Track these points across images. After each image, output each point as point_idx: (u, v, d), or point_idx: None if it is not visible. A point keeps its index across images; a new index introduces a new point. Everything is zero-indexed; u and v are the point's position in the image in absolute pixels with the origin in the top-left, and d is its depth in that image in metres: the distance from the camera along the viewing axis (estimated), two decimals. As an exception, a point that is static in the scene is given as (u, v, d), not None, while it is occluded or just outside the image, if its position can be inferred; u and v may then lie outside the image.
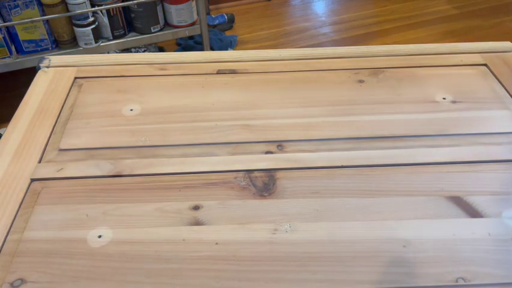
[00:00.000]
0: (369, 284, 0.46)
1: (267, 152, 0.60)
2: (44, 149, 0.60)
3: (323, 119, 0.65)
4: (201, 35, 1.72)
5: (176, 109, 0.66)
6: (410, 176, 0.57)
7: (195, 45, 2.00)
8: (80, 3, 1.51)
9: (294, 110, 0.66)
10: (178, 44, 2.07)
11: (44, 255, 0.48)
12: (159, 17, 1.67)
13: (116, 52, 1.74)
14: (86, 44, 1.60)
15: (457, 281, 0.46)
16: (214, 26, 2.16)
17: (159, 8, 1.66)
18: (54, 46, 1.61)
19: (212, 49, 1.90)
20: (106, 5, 1.55)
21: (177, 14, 1.68)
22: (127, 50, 1.85)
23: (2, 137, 0.61)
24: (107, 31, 1.62)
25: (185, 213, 0.52)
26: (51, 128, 0.63)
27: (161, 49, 2.02)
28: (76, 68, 0.73)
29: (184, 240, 0.49)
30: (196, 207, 0.53)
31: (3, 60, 1.55)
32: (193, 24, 1.73)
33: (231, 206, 0.53)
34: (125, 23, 1.65)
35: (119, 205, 0.53)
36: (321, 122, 0.64)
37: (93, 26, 1.58)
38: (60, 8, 1.51)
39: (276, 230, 0.51)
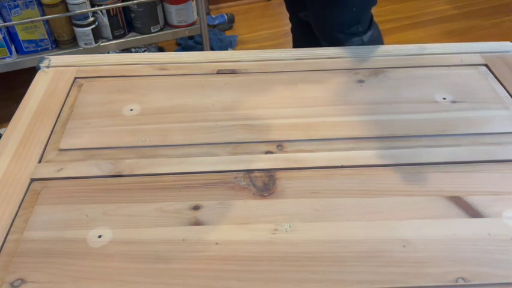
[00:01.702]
0: (369, 284, 0.46)
1: (267, 152, 0.60)
2: (44, 149, 0.60)
3: (323, 119, 0.65)
4: (201, 35, 1.72)
5: (176, 109, 0.66)
6: (410, 176, 0.57)
7: (194, 45, 2.00)
8: (80, 3, 1.51)
9: (294, 110, 0.66)
10: (178, 44, 2.07)
11: (44, 255, 0.48)
12: (159, 17, 1.67)
13: (116, 52, 1.74)
14: (86, 44, 1.60)
15: (456, 281, 0.46)
16: (214, 26, 2.16)
17: (159, 8, 1.66)
18: (54, 46, 1.61)
19: (212, 49, 1.90)
20: (106, 5, 1.55)
21: (177, 14, 1.68)
22: (127, 50, 1.84)
23: (2, 137, 0.61)
24: (107, 31, 1.62)
25: (185, 213, 0.52)
26: (51, 128, 0.63)
27: (161, 49, 2.02)
28: (76, 68, 0.73)
29: (184, 240, 0.49)
30: (196, 207, 0.53)
31: (3, 60, 1.55)
32: (193, 24, 1.73)
33: (231, 206, 0.53)
34: (125, 23, 1.65)
35: (119, 205, 0.53)
36: (321, 122, 0.64)
37: (93, 26, 1.57)
38: (60, 8, 1.51)
39: (276, 230, 0.51)
